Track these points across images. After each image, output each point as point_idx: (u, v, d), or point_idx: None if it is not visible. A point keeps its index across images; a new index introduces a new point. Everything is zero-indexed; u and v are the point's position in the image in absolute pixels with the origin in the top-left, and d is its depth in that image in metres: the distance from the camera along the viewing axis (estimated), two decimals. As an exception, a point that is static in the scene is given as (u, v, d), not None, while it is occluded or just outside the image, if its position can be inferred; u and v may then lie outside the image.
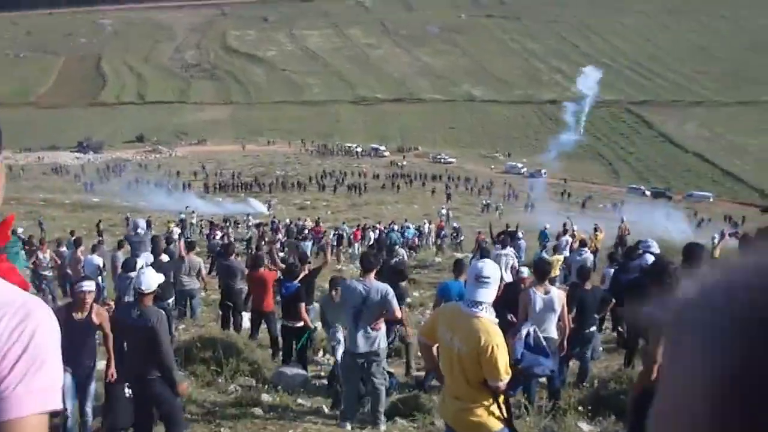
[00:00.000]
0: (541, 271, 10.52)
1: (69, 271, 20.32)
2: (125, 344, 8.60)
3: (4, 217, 1.98)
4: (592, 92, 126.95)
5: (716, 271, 0.63)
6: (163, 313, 8.58)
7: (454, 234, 44.28)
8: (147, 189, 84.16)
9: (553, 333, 10.12)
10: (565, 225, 32.38)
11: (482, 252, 18.27)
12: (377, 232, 38.97)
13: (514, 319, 10.06)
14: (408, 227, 42.59)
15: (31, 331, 1.51)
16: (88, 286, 8.62)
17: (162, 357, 8.11)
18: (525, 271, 11.93)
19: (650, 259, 13.67)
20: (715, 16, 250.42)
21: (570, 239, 29.74)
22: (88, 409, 8.93)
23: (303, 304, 12.45)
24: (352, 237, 40.68)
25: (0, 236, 2.08)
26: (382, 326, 9.87)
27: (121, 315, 8.67)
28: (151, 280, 8.44)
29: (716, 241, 26.12)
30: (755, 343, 0.56)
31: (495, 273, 5.80)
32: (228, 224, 47.29)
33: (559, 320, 10.37)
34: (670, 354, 0.65)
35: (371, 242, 34.77)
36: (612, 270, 15.93)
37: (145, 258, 16.89)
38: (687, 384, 0.62)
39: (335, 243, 37.88)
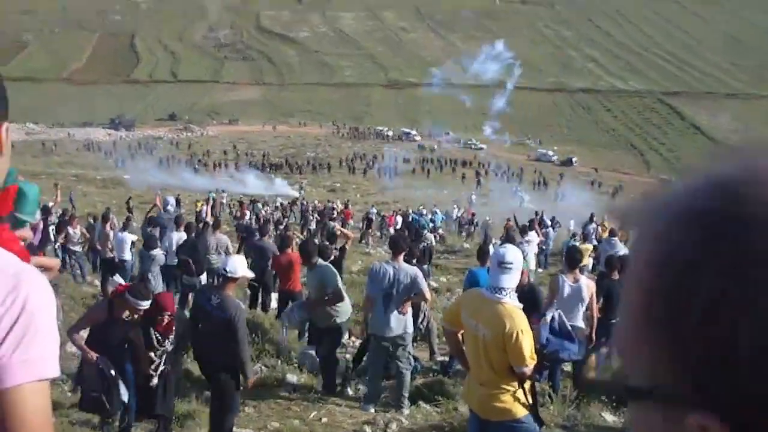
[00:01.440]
0: (571, 259, 10.46)
1: (98, 246, 20.39)
2: (200, 327, 8.56)
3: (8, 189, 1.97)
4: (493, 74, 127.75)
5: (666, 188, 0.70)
6: (242, 305, 8.70)
7: (470, 221, 44.30)
8: (178, 167, 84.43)
9: (580, 322, 10.06)
10: (592, 215, 32.27)
11: (507, 238, 18.20)
12: (408, 216, 38.88)
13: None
14: (436, 212, 42.50)
15: (23, 299, 1.50)
16: (145, 305, 8.00)
17: (238, 349, 8.05)
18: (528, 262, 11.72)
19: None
20: (750, 6, 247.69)
21: (596, 227, 29.63)
22: (133, 403, 8.39)
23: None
24: (386, 222, 40.75)
25: (1, 206, 2.08)
26: (409, 309, 9.88)
27: (200, 301, 8.60)
28: (238, 264, 8.27)
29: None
30: (676, 237, 0.63)
31: (518, 259, 5.80)
32: (257, 204, 47.20)
33: (587, 310, 10.33)
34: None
35: (399, 226, 34.72)
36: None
37: (172, 236, 16.99)
38: (629, 275, 0.73)
39: (364, 226, 37.95)
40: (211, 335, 8.13)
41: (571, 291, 9.87)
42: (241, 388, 8.41)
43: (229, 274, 8.09)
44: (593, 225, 31.39)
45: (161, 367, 8.34)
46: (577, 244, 22.15)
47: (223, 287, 8.16)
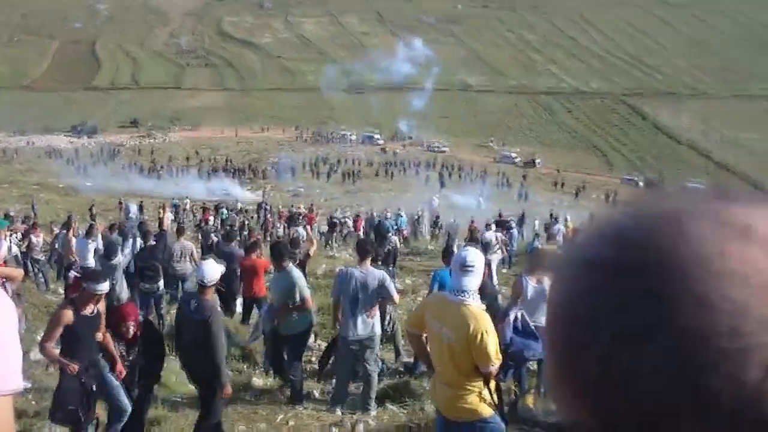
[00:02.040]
0: (534, 260, 10.53)
1: (62, 252, 20.27)
2: (181, 333, 8.60)
3: None
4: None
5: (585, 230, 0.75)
6: (218, 308, 8.61)
7: (434, 223, 44.57)
8: (140, 174, 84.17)
9: (543, 321, 10.10)
10: (555, 216, 32.47)
11: (472, 239, 18.29)
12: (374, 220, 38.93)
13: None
14: (401, 215, 42.55)
15: None
16: (104, 287, 7.71)
17: (213, 353, 8.02)
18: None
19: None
20: (711, 10, 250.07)
21: (562, 228, 29.81)
22: (124, 399, 8.23)
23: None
24: (352, 226, 40.80)
25: None
26: (377, 312, 9.94)
27: (182, 306, 8.65)
28: (213, 271, 8.30)
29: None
30: (574, 279, 0.67)
31: (479, 260, 5.84)
32: (222, 210, 47.04)
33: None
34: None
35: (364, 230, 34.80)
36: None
37: (133, 243, 16.95)
38: (548, 309, 0.75)
39: (326, 230, 38.05)
40: (193, 341, 8.16)
41: (535, 291, 9.93)
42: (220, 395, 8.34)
43: (207, 284, 8.18)
44: (558, 225, 31.57)
45: (135, 380, 8.32)
46: (539, 245, 22.31)
47: (202, 293, 8.22)
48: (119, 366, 8.10)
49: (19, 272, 8.55)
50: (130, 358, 8.27)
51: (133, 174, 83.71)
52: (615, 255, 0.65)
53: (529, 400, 9.68)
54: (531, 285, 9.95)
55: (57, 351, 7.71)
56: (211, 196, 65.67)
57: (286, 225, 38.25)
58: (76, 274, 13.07)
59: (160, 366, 8.86)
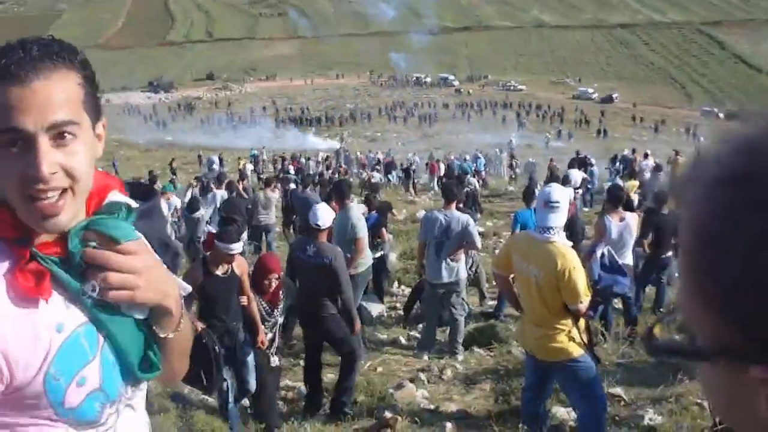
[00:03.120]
0: (615, 197, 10.33)
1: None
2: (298, 282, 8.46)
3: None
4: None
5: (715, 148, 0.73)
6: (340, 249, 8.42)
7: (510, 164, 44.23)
8: (218, 126, 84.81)
9: (629, 260, 9.96)
10: (634, 150, 31.96)
11: (552, 178, 18.09)
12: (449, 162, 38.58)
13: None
14: (479, 157, 42.25)
15: None
16: (236, 248, 7.11)
17: (343, 294, 8.04)
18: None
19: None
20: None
21: (650, 163, 29.39)
22: (251, 380, 7.61)
23: (383, 229, 12.44)
24: (428, 170, 40.00)
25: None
26: (462, 256, 9.88)
27: (295, 253, 8.47)
28: (326, 215, 8.22)
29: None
30: (718, 199, 0.66)
31: (564, 197, 5.75)
32: (300, 159, 47.11)
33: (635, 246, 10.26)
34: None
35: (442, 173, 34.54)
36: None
37: (217, 195, 17.03)
38: (680, 244, 0.76)
39: (403, 175, 37.74)
40: (316, 286, 8.08)
41: (618, 230, 9.77)
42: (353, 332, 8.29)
43: (321, 227, 8.09)
44: (646, 162, 31.02)
45: (275, 343, 7.90)
46: (620, 181, 22.01)
47: (316, 237, 8.13)
48: (261, 336, 7.50)
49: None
50: (273, 317, 7.74)
51: (211, 126, 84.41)
52: (750, 164, 0.64)
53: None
54: (614, 224, 9.78)
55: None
56: (288, 145, 65.86)
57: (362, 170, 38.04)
58: (211, 229, 13.17)
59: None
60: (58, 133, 1.49)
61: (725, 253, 0.63)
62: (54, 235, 1.58)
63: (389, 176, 38.97)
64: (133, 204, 1.73)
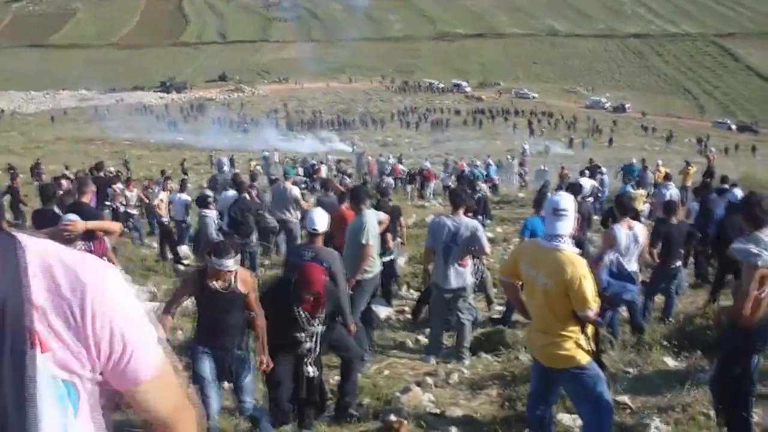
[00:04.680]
0: (623, 206, 10.34)
1: (157, 209, 20.56)
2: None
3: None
4: None
5: None
6: (338, 254, 8.40)
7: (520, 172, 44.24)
8: (230, 128, 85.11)
9: (635, 267, 9.98)
10: (644, 160, 31.99)
11: (562, 186, 18.08)
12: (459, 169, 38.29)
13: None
14: (490, 163, 42.21)
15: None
16: (228, 264, 6.65)
17: (341, 298, 8.01)
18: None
19: (738, 193, 13.44)
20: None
21: (651, 175, 29.44)
22: (248, 404, 7.14)
23: (389, 235, 12.40)
24: (421, 178, 38.33)
25: None
26: (470, 262, 9.91)
27: (293, 258, 8.38)
28: (322, 219, 8.24)
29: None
30: None
31: (572, 205, 5.77)
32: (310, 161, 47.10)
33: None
34: None
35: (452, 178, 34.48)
36: (697, 204, 15.72)
37: (228, 196, 17.02)
38: None
39: (419, 181, 37.57)
40: None
41: (627, 239, 9.79)
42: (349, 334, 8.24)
43: (318, 231, 8.14)
44: (647, 173, 31.02)
45: (314, 352, 7.40)
46: (631, 190, 22.03)
47: (312, 242, 8.17)
48: (264, 357, 7.06)
49: (117, 225, 8.64)
50: (312, 327, 7.26)
51: (223, 128, 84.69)
52: None
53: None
54: (623, 233, 9.80)
55: (170, 321, 7.17)
56: (300, 148, 66.04)
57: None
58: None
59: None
60: None
61: None
62: None
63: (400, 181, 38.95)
64: None
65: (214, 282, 6.74)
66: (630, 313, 10.47)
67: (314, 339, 7.34)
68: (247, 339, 7.18)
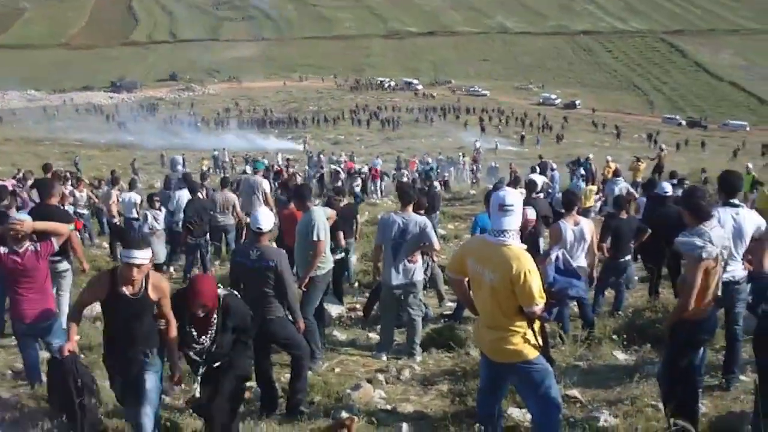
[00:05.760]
0: (568, 202, 10.40)
1: (103, 207, 20.45)
2: (243, 286, 7.96)
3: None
4: None
5: None
6: (284, 251, 8.25)
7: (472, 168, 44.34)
8: (180, 127, 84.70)
9: (583, 262, 10.05)
10: (587, 157, 32.34)
11: (514, 182, 18.10)
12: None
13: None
14: (441, 160, 42.34)
15: None
16: (137, 257, 6.13)
17: (289, 295, 7.97)
18: (530, 212, 11.27)
19: (667, 187, 13.55)
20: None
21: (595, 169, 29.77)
22: (146, 421, 6.42)
23: (340, 233, 12.36)
24: (370, 176, 38.31)
25: None
26: (419, 258, 9.91)
27: (240, 258, 8.19)
28: (269, 218, 8.11)
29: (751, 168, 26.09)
30: None
31: (518, 200, 5.75)
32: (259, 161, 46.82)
33: (588, 251, 10.33)
34: None
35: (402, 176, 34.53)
36: (645, 199, 15.87)
37: (181, 195, 16.90)
38: None
39: (370, 177, 37.54)
40: (261, 290, 7.94)
41: (574, 234, 9.86)
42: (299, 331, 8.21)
43: (263, 230, 7.98)
44: (580, 170, 31.29)
45: (201, 370, 6.62)
46: (583, 185, 22.19)
47: (259, 241, 8.02)
48: (177, 375, 6.69)
49: (65, 227, 8.53)
50: (200, 345, 6.61)
51: (173, 127, 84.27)
52: None
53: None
54: (569, 228, 9.88)
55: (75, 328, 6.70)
56: (251, 146, 65.89)
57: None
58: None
59: (247, 360, 7.15)
60: None
61: None
62: None
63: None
64: None
65: (123, 288, 6.25)
66: (580, 308, 10.54)
67: (203, 357, 6.67)
68: (159, 348, 6.62)
